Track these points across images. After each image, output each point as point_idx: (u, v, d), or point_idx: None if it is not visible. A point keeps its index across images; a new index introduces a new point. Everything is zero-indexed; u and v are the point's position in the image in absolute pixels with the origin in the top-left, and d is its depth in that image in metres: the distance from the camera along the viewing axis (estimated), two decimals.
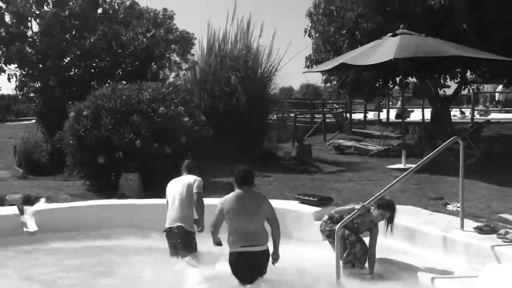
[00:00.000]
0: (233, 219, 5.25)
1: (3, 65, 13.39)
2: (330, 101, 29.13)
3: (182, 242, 6.09)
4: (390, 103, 25.94)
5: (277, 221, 5.47)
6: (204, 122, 10.65)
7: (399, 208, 7.32)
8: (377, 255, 6.02)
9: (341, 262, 5.67)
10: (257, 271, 5.26)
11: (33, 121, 16.56)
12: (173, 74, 15.48)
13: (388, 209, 5.80)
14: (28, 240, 7.09)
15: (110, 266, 6.10)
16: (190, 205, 6.23)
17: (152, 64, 14.42)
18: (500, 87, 26.05)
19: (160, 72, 14.89)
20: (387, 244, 6.41)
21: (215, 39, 13.92)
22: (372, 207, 5.79)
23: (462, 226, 6.18)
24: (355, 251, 5.74)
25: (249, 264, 5.21)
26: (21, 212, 7.67)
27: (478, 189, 9.13)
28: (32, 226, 7.38)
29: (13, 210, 7.65)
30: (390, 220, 5.78)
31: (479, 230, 6.05)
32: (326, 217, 6.11)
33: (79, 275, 5.80)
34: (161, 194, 8.25)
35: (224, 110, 12.71)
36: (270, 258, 5.36)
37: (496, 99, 29.33)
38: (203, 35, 14.30)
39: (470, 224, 6.29)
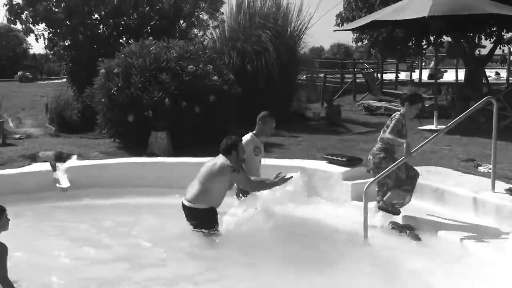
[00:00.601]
0: None
1: (31, 26, 13.47)
2: (361, 61, 28.65)
3: None
4: (423, 63, 25.41)
5: (248, 185, 5.68)
6: (233, 81, 10.56)
7: (430, 169, 7.31)
8: (406, 215, 6.00)
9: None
10: (189, 222, 5.55)
11: (64, 80, 16.77)
12: (201, 32, 15.30)
13: (419, 99, 6.00)
14: (61, 196, 7.23)
15: (139, 224, 6.19)
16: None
17: (181, 22, 14.31)
18: None
19: (190, 30, 14.78)
20: (418, 205, 6.38)
21: None
22: (400, 109, 5.96)
23: (493, 188, 6.07)
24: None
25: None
26: (54, 168, 7.81)
27: (511, 151, 8.94)
28: (64, 182, 7.53)
29: (46, 166, 7.80)
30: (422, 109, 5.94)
31: (511, 192, 5.94)
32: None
33: (109, 232, 5.89)
34: (190, 152, 8.35)
35: (253, 69, 12.59)
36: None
37: None
38: None
39: (501, 186, 6.18)
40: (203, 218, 5.46)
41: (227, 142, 5.60)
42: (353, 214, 6.14)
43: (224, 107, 9.87)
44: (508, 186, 6.15)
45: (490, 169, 6.42)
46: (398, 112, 5.89)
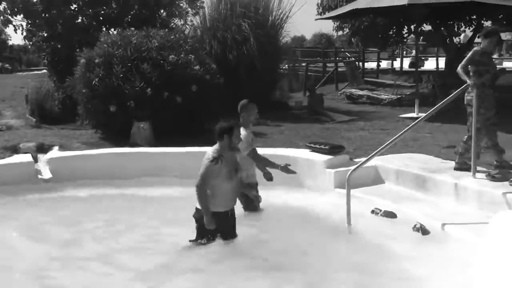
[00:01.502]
0: None
1: (9, 17, 13.27)
2: (342, 50, 28.72)
3: None
4: (404, 51, 25.56)
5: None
6: (215, 71, 10.53)
7: (412, 156, 7.38)
8: (389, 203, 6.06)
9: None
10: None
11: (44, 71, 16.54)
12: (182, 22, 15.20)
13: (495, 34, 6.18)
14: (43, 187, 7.17)
15: (122, 214, 6.17)
16: None
17: (161, 11, 14.20)
18: None
19: (170, 19, 14.67)
20: (400, 192, 6.45)
21: None
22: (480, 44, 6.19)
23: (474, 174, 6.16)
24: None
25: None
26: (35, 160, 7.74)
27: None
28: (46, 174, 7.47)
29: (27, 158, 7.72)
30: (499, 42, 6.08)
31: (491, 177, 6.02)
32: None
33: (92, 223, 5.86)
34: (173, 142, 8.33)
35: (235, 58, 12.56)
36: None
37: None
38: None
39: (482, 172, 6.26)
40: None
41: (221, 124, 5.00)
42: (336, 201, 6.18)
43: (206, 97, 9.85)
44: (488, 171, 6.24)
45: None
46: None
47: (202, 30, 13.45)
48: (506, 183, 5.84)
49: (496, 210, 5.20)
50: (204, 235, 4.91)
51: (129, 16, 13.64)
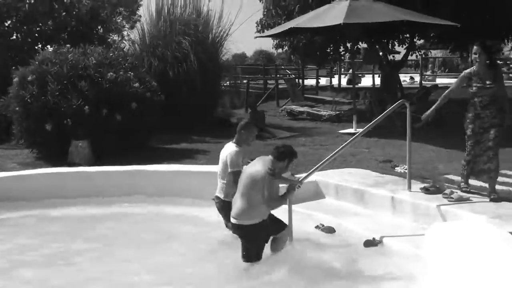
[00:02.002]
0: None
1: None
2: (283, 67, 29.13)
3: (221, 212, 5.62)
4: (342, 69, 26.21)
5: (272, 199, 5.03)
6: (156, 88, 10.47)
7: (350, 171, 7.55)
8: (330, 217, 6.17)
9: None
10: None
11: None
12: (119, 38, 15.05)
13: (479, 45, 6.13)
14: None
15: (58, 235, 6.00)
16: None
17: (98, 27, 14.00)
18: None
19: (108, 35, 14.49)
20: (340, 206, 6.58)
21: (164, 2, 13.59)
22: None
23: (409, 187, 6.37)
24: None
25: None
26: None
27: (425, 151, 9.42)
28: None
29: None
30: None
31: (426, 190, 6.25)
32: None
33: (27, 245, 5.67)
34: (113, 161, 8.18)
35: (175, 76, 12.52)
36: None
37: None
38: None
39: (417, 185, 6.49)
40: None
41: (286, 147, 5.14)
42: (278, 217, 6.21)
43: (147, 114, 9.77)
44: (423, 185, 6.47)
45: (406, 169, 6.73)
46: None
47: (141, 47, 13.34)
48: (440, 195, 6.07)
49: (431, 222, 5.39)
50: (259, 247, 4.94)
51: (66, 33, 13.35)
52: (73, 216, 6.75)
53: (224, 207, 5.43)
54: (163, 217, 6.65)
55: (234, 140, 5.63)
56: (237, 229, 4.94)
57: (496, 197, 5.91)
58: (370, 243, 5.41)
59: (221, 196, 5.52)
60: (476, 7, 13.89)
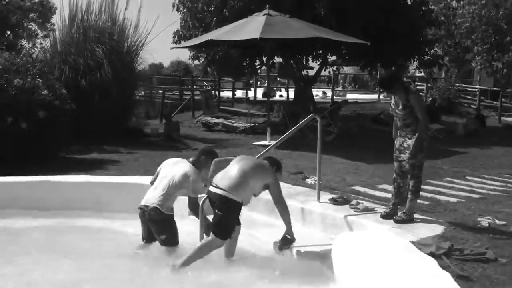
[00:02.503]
0: None
1: None
2: (199, 78, 29.15)
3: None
4: (258, 82, 26.63)
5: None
6: (66, 96, 10.14)
7: None
8: (243, 229, 6.21)
9: None
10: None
11: None
12: (30, 44, 14.45)
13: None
14: None
15: None
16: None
17: (8, 33, 13.36)
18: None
19: (17, 41, 13.87)
20: (253, 217, 6.64)
21: (78, 9, 13.20)
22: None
23: (318, 198, 6.57)
24: None
25: None
26: None
27: (335, 163, 9.75)
28: None
29: None
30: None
31: (334, 201, 6.47)
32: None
33: None
34: (19, 171, 7.78)
35: (88, 84, 12.18)
36: None
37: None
38: (64, 4, 13.47)
39: (326, 196, 6.71)
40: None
41: (274, 159, 5.71)
42: (190, 229, 6.18)
43: (57, 123, 9.43)
44: (331, 196, 6.70)
45: (316, 181, 6.93)
46: None
47: (52, 53, 12.87)
48: (347, 206, 6.31)
49: (338, 232, 5.58)
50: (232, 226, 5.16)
51: None
52: None
53: (158, 219, 5.30)
54: (66, 230, 6.38)
55: (191, 161, 5.54)
56: (219, 200, 4.98)
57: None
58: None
59: (163, 209, 5.32)
60: (384, 27, 14.68)
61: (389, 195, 6.51)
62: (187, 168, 5.45)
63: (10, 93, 8.92)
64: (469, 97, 24.55)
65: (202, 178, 5.53)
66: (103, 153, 10.73)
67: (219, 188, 4.99)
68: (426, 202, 6.73)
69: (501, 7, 19.22)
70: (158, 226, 5.38)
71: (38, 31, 14.90)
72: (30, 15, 14.66)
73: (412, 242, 4.78)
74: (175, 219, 5.50)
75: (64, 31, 13.15)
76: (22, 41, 14.30)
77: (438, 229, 5.45)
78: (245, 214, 6.49)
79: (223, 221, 5.02)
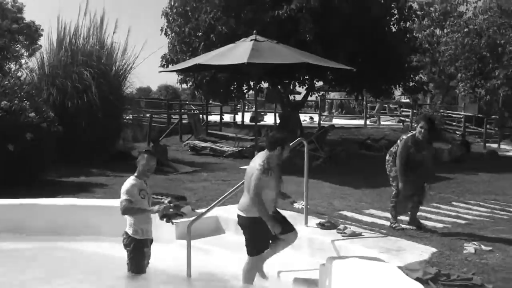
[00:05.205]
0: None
1: None
2: (187, 102, 29.21)
3: None
4: (246, 107, 26.76)
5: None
6: (53, 119, 10.12)
7: None
8: (228, 253, 6.19)
9: None
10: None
11: None
12: (17, 66, 14.43)
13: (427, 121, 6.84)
14: None
15: None
16: None
17: None
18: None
19: (4, 64, 13.85)
20: (239, 241, 6.60)
21: (66, 32, 13.22)
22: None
23: (306, 223, 6.58)
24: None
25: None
26: None
27: (322, 188, 9.77)
28: None
29: None
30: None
31: (321, 226, 6.49)
32: (387, 156, 6.87)
33: None
34: (5, 193, 7.69)
35: (75, 107, 12.16)
36: None
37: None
38: (53, 28, 13.47)
39: (313, 220, 6.72)
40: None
41: (276, 135, 5.33)
42: (177, 253, 6.15)
43: (43, 145, 9.40)
44: (319, 220, 6.71)
45: (303, 205, 6.94)
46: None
47: (40, 76, 12.86)
48: (334, 231, 6.32)
49: (325, 257, 5.57)
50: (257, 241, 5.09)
51: None
52: None
53: (132, 245, 5.21)
54: (54, 254, 6.33)
55: (135, 173, 5.48)
56: (238, 220, 5.16)
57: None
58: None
59: (129, 232, 5.25)
60: (369, 54, 14.89)
61: (376, 220, 6.56)
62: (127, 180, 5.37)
63: None
64: (454, 123, 24.84)
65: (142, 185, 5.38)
66: (90, 176, 10.66)
67: (237, 208, 5.21)
68: (413, 228, 6.76)
69: (483, 36, 19.61)
70: (135, 253, 5.27)
71: (23, 51, 14.89)
72: (18, 38, 14.64)
73: (399, 267, 4.79)
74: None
75: (52, 54, 13.16)
76: (10, 63, 14.26)
77: (425, 255, 5.49)
78: (232, 238, 6.49)
79: (247, 239, 5.18)
